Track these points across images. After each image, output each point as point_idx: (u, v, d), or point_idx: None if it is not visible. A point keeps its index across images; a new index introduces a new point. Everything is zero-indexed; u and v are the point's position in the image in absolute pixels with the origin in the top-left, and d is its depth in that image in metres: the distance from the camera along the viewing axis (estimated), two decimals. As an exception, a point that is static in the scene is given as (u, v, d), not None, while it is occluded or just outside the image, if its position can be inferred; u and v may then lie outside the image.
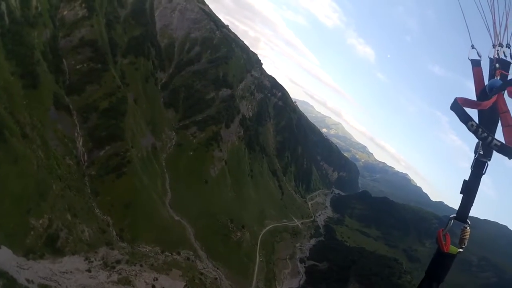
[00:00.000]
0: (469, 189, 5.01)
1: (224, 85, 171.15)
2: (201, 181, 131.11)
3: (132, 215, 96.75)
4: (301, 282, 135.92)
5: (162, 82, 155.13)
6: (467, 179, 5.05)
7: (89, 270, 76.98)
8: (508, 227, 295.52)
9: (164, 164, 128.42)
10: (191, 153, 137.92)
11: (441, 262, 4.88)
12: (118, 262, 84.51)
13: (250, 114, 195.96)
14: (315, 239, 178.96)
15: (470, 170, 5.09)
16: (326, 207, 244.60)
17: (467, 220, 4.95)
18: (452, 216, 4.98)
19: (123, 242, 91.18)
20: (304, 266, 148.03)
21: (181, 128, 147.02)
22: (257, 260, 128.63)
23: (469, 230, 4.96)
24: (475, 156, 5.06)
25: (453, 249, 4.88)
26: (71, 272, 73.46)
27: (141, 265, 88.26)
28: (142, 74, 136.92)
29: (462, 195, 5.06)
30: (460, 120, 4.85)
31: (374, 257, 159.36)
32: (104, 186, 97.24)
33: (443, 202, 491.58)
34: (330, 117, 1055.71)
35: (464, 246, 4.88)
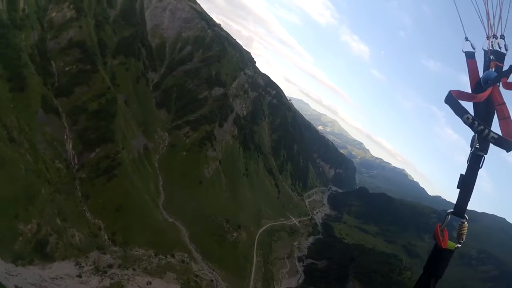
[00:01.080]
0: (466, 183, 4.85)
1: (217, 84, 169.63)
2: (195, 182, 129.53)
3: (124, 218, 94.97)
4: (300, 281, 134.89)
5: (154, 82, 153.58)
6: (463, 173, 4.90)
7: (79, 276, 75.26)
8: (506, 219, 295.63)
9: (156, 165, 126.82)
10: (184, 154, 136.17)
11: (439, 257, 4.74)
12: (110, 266, 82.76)
13: (244, 112, 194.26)
14: (313, 237, 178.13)
15: (466, 164, 4.95)
16: (324, 204, 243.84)
17: (465, 215, 4.79)
18: (449, 211, 4.82)
19: (115, 246, 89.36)
20: (303, 265, 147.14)
21: (174, 129, 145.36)
22: (254, 260, 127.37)
23: (467, 225, 4.83)
24: (471, 150, 4.89)
25: (451, 244, 4.73)
26: (61, 278, 71.80)
27: (134, 269, 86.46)
28: (133, 75, 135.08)
29: (459, 189, 4.89)
30: (455, 113, 4.77)
31: (373, 254, 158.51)
32: (95, 189, 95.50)
33: (440, 197, 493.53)
34: (325, 115, 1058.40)
35: (462, 242, 4.78)
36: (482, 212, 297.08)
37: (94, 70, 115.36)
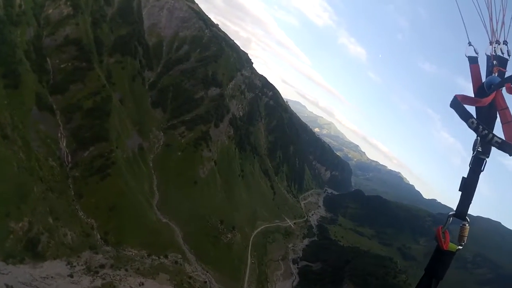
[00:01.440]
0: (468, 186, 4.91)
1: (214, 84, 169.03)
2: (190, 182, 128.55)
3: (117, 218, 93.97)
4: (294, 283, 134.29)
5: (150, 81, 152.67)
6: (465, 176, 4.95)
7: (71, 275, 74.27)
8: (502, 223, 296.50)
9: (151, 165, 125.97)
10: (180, 154, 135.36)
11: (440, 259, 4.82)
12: (102, 266, 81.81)
13: (241, 113, 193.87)
14: (308, 239, 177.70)
15: (468, 168, 5.00)
16: (319, 206, 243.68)
17: (466, 217, 4.87)
18: (451, 213, 4.86)
19: (108, 245, 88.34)
20: (297, 267, 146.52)
21: (169, 128, 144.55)
22: (249, 262, 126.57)
23: (468, 227, 4.87)
24: (473, 153, 4.98)
25: (452, 246, 4.79)
26: (52, 277, 70.91)
27: (126, 270, 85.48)
28: (129, 73, 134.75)
29: (460, 192, 4.93)
30: (460, 117, 4.81)
31: (369, 256, 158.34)
32: (88, 188, 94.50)
33: (436, 200, 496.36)
34: (322, 117, 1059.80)
35: (463, 243, 4.82)
36: (478, 216, 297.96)
37: (89, 68, 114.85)
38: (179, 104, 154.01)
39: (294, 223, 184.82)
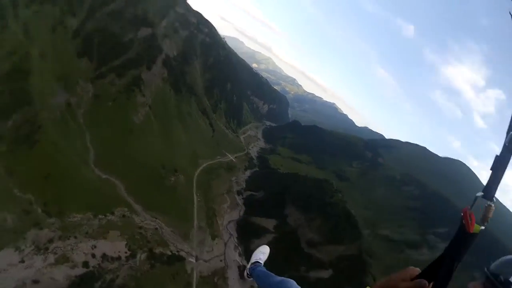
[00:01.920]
0: (500, 165, 4.27)
1: (144, 24, 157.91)
2: (125, 132, 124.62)
3: (54, 185, 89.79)
4: (241, 213, 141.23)
5: (74, 29, 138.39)
6: (498, 155, 4.27)
7: (22, 261, 71.72)
8: (427, 148, 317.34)
9: (82, 120, 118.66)
10: (111, 103, 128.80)
11: (463, 241, 4.25)
12: (51, 241, 79.56)
13: (175, 53, 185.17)
14: (250, 171, 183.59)
15: (503, 145, 4.25)
16: (259, 139, 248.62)
17: (493, 198, 4.25)
18: (478, 194, 4.27)
19: (51, 217, 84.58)
20: (242, 198, 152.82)
21: (98, 78, 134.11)
22: (195, 200, 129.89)
23: (493, 208, 4.29)
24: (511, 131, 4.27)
25: (476, 228, 4.26)
26: (4, 270, 68.25)
27: (75, 237, 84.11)
28: (49, 24, 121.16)
29: (491, 171, 4.29)
30: None
31: (307, 180, 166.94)
32: (18, 162, 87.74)
33: (367, 127, 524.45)
34: (260, 52, 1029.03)
35: (486, 224, 4.29)
36: (406, 141, 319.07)
37: (3, 26, 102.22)
38: (107, 50, 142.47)
39: (235, 157, 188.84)
